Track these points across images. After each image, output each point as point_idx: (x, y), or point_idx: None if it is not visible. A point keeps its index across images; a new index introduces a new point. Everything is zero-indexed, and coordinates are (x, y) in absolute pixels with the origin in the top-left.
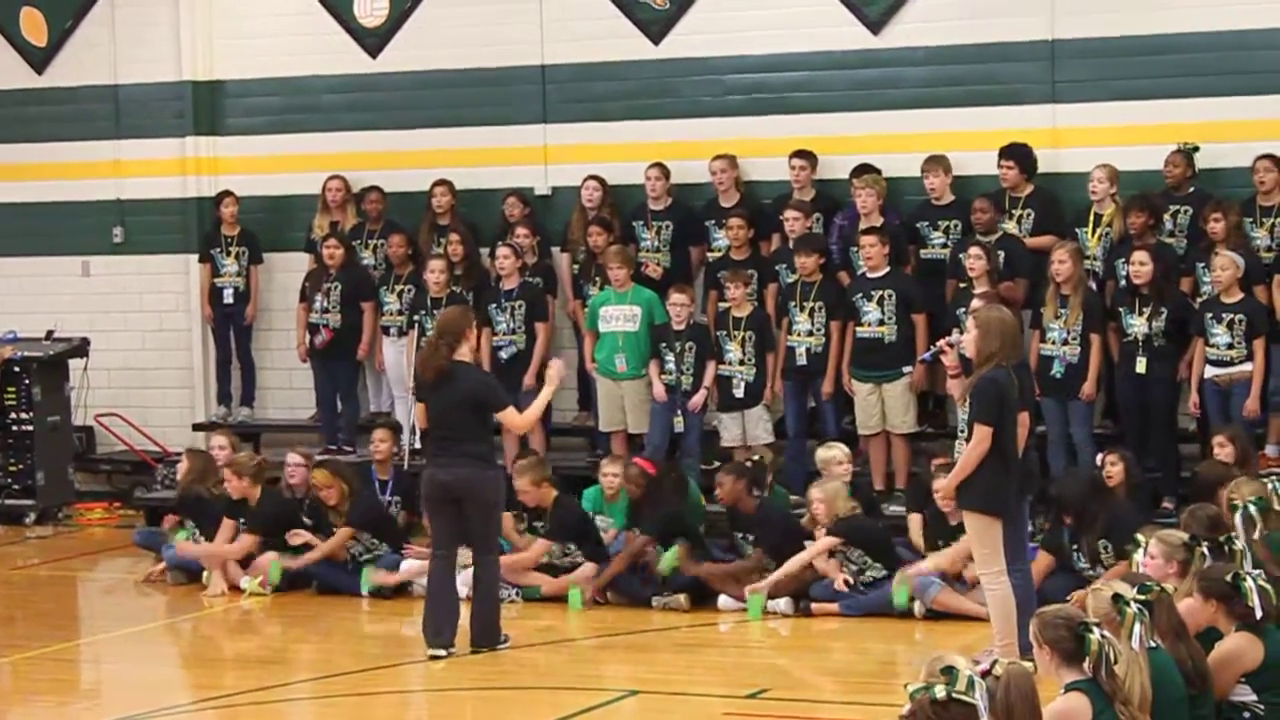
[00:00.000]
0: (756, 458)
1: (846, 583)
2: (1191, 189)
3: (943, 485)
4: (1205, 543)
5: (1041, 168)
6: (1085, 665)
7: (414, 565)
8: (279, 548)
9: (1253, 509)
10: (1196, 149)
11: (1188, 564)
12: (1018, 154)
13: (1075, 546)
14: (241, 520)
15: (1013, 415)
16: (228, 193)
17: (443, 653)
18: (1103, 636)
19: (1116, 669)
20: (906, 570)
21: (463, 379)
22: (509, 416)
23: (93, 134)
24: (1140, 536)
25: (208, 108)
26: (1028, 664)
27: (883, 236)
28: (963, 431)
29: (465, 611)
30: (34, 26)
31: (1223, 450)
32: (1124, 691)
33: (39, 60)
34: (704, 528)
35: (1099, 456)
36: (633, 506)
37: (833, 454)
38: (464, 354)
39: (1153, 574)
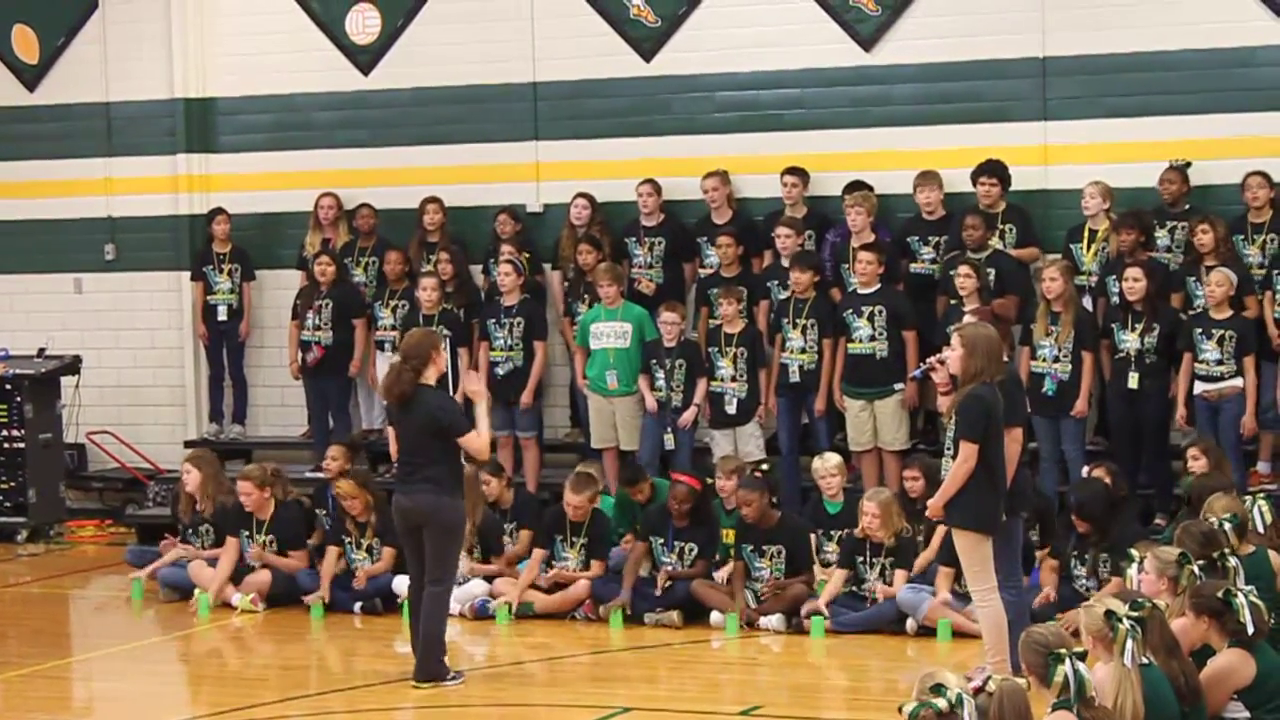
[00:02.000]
0: (766, 468)
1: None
2: (1188, 205)
3: (932, 503)
4: (1199, 560)
5: (1033, 184)
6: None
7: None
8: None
9: (1228, 526)
10: (1189, 165)
11: (1178, 581)
12: (998, 170)
13: (1075, 553)
14: (247, 534)
15: (999, 431)
16: (220, 210)
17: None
18: (1073, 668)
19: (1091, 694)
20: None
21: (425, 404)
22: (469, 442)
23: (85, 151)
24: (1134, 552)
25: (200, 125)
26: (1021, 680)
27: (879, 253)
28: (949, 449)
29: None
30: (26, 44)
31: (1196, 462)
32: (1106, 712)
33: (31, 78)
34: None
35: (1084, 470)
36: (658, 521)
37: (826, 464)
38: (429, 377)
39: (1146, 590)
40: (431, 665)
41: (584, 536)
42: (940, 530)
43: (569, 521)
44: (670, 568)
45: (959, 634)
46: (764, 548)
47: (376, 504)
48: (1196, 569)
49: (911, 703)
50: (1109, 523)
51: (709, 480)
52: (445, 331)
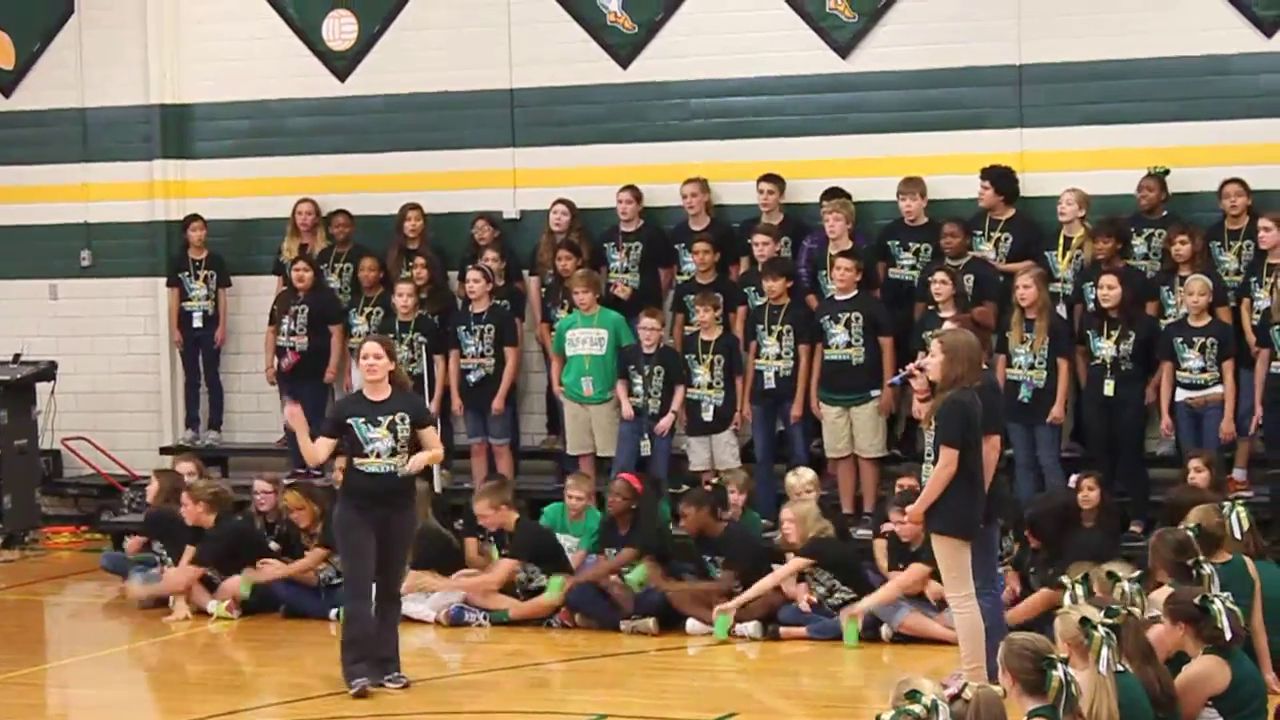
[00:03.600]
0: (715, 481)
1: (811, 603)
2: (1165, 213)
3: (912, 509)
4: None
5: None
6: (1048, 696)
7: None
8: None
9: (1190, 535)
10: (1167, 172)
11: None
12: (995, 176)
13: (1033, 570)
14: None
15: (978, 438)
16: (195, 216)
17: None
18: (1065, 674)
19: (1079, 704)
20: (852, 609)
21: None
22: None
23: (60, 157)
24: (1065, 579)
25: (176, 131)
26: (997, 688)
27: (858, 260)
28: (929, 455)
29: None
30: (1, 49)
31: (1199, 475)
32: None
33: (6, 83)
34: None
35: (1073, 479)
36: (612, 521)
37: (801, 480)
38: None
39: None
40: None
41: (512, 544)
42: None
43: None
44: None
45: (936, 641)
46: (716, 559)
47: (324, 514)
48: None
49: (889, 711)
50: (1061, 539)
51: (683, 484)
52: (421, 339)
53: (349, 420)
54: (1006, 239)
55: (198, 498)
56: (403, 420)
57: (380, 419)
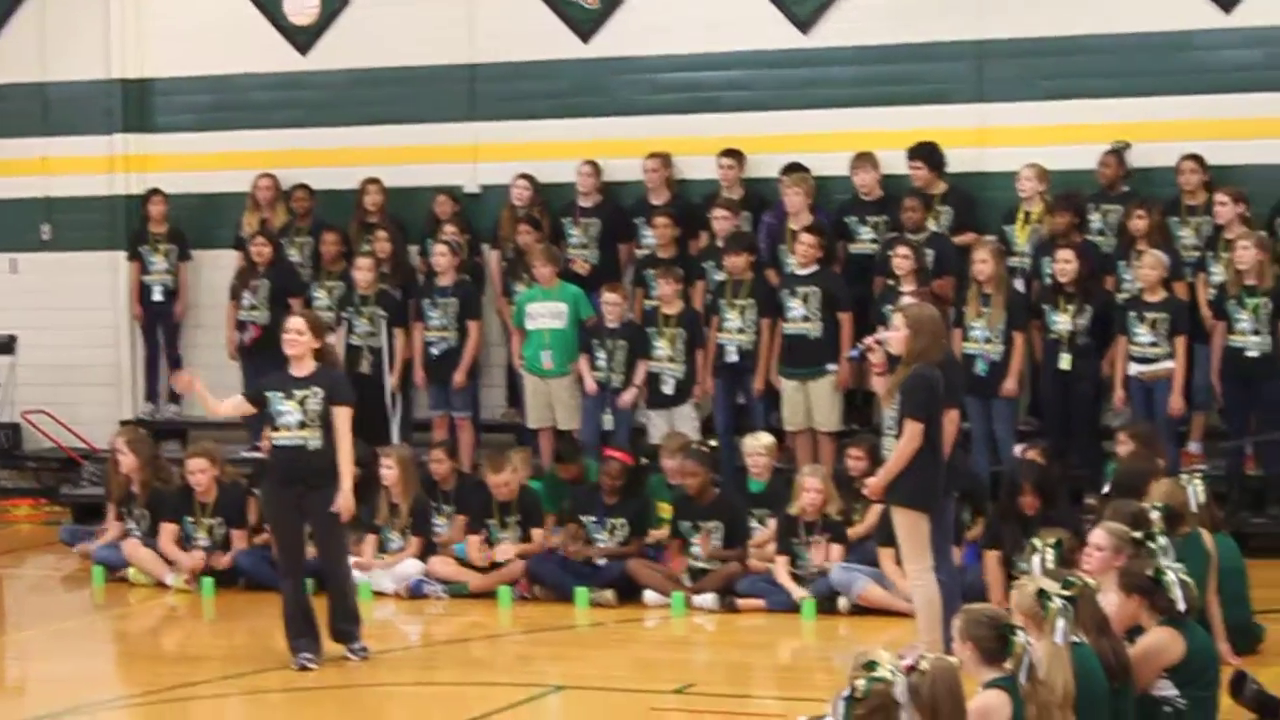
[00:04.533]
0: (713, 444)
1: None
2: (1125, 188)
3: (874, 482)
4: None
5: (969, 166)
6: (1006, 664)
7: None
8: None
9: (1155, 514)
10: (1128, 146)
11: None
12: (924, 153)
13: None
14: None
15: (940, 412)
16: (156, 190)
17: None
18: (1026, 640)
19: (1038, 672)
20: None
21: None
22: None
23: (21, 131)
24: (1036, 542)
25: (137, 105)
26: (953, 659)
27: (820, 234)
28: (890, 429)
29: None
30: None
31: (1123, 446)
32: (1045, 689)
33: None
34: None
35: (1017, 449)
36: (595, 490)
37: (758, 442)
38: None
39: (1096, 568)
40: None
41: (515, 514)
42: (875, 509)
43: (497, 502)
44: (603, 544)
45: (888, 612)
46: (700, 524)
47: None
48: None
49: (862, 680)
50: (1056, 501)
51: (642, 458)
52: (381, 312)
53: (266, 392)
54: (947, 212)
55: (215, 461)
56: (315, 395)
57: (295, 392)
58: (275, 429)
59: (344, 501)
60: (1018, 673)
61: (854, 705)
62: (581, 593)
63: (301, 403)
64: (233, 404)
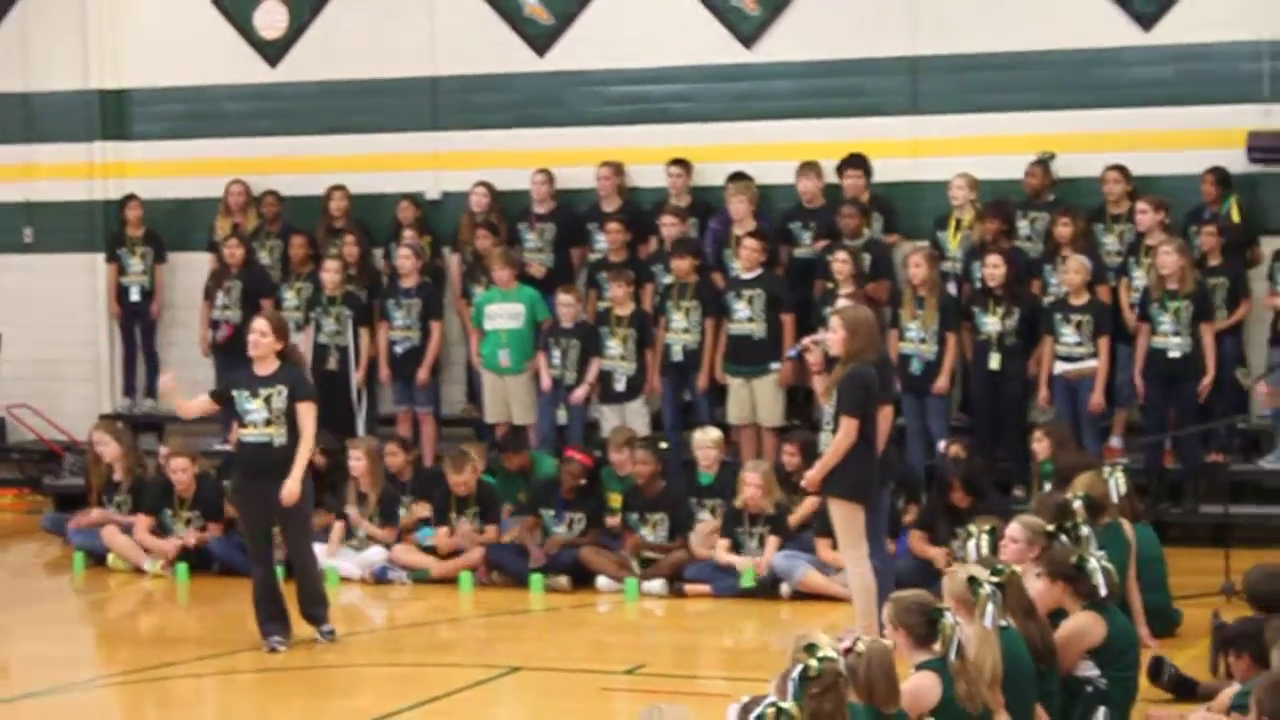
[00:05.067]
0: (664, 445)
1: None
2: (1051, 197)
3: (811, 475)
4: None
5: (903, 176)
6: (935, 646)
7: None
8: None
9: (1078, 504)
10: (1053, 157)
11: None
12: (859, 162)
13: (954, 529)
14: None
15: (875, 409)
16: (132, 196)
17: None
18: (955, 621)
19: (967, 651)
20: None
21: None
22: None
23: (4, 138)
24: (972, 527)
25: (115, 114)
26: (887, 642)
27: (764, 240)
28: (828, 424)
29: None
30: None
31: (1039, 444)
32: (974, 667)
33: None
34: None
35: (941, 444)
36: (553, 485)
37: (707, 436)
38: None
39: (1012, 557)
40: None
41: (474, 506)
42: (811, 500)
43: (456, 497)
44: (560, 536)
45: (828, 598)
46: (647, 515)
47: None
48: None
49: (814, 660)
50: (987, 494)
51: (598, 455)
52: (348, 312)
53: (233, 391)
54: (878, 217)
55: (182, 453)
56: (280, 393)
57: (260, 391)
58: (243, 425)
59: (289, 487)
60: (948, 652)
61: (807, 684)
62: (536, 579)
63: (267, 400)
64: (200, 404)
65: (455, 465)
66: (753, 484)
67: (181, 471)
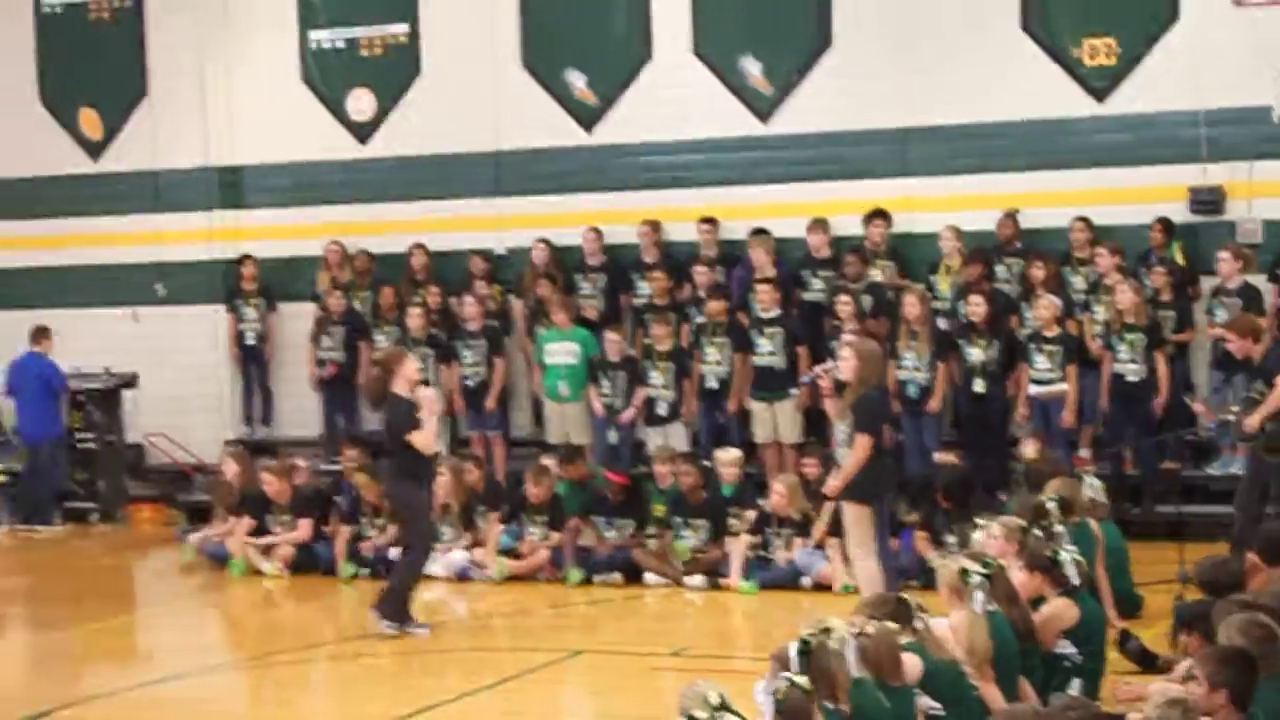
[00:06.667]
0: (707, 464)
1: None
2: (1019, 244)
3: (832, 484)
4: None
5: (899, 229)
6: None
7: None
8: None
9: (1052, 505)
10: (1018, 211)
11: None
12: (885, 216)
13: (944, 526)
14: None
15: (884, 426)
16: (247, 256)
17: (388, 625)
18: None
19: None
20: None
21: (388, 408)
22: (413, 439)
23: (138, 209)
24: (980, 521)
25: (231, 187)
26: (893, 625)
27: (775, 285)
28: (843, 441)
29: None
30: (90, 123)
31: (1029, 448)
32: (967, 650)
33: (95, 150)
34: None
35: (935, 455)
36: (595, 502)
37: (727, 455)
38: (399, 387)
39: (995, 551)
40: (388, 606)
41: (545, 514)
42: (828, 507)
43: (530, 504)
44: (612, 540)
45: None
46: (691, 521)
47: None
48: (1038, 533)
49: (809, 636)
50: (968, 500)
51: (634, 472)
52: (428, 350)
53: None
54: (890, 265)
55: (280, 474)
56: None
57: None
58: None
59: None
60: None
61: (806, 657)
62: (574, 573)
63: None
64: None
65: (535, 478)
66: (779, 493)
67: (269, 484)
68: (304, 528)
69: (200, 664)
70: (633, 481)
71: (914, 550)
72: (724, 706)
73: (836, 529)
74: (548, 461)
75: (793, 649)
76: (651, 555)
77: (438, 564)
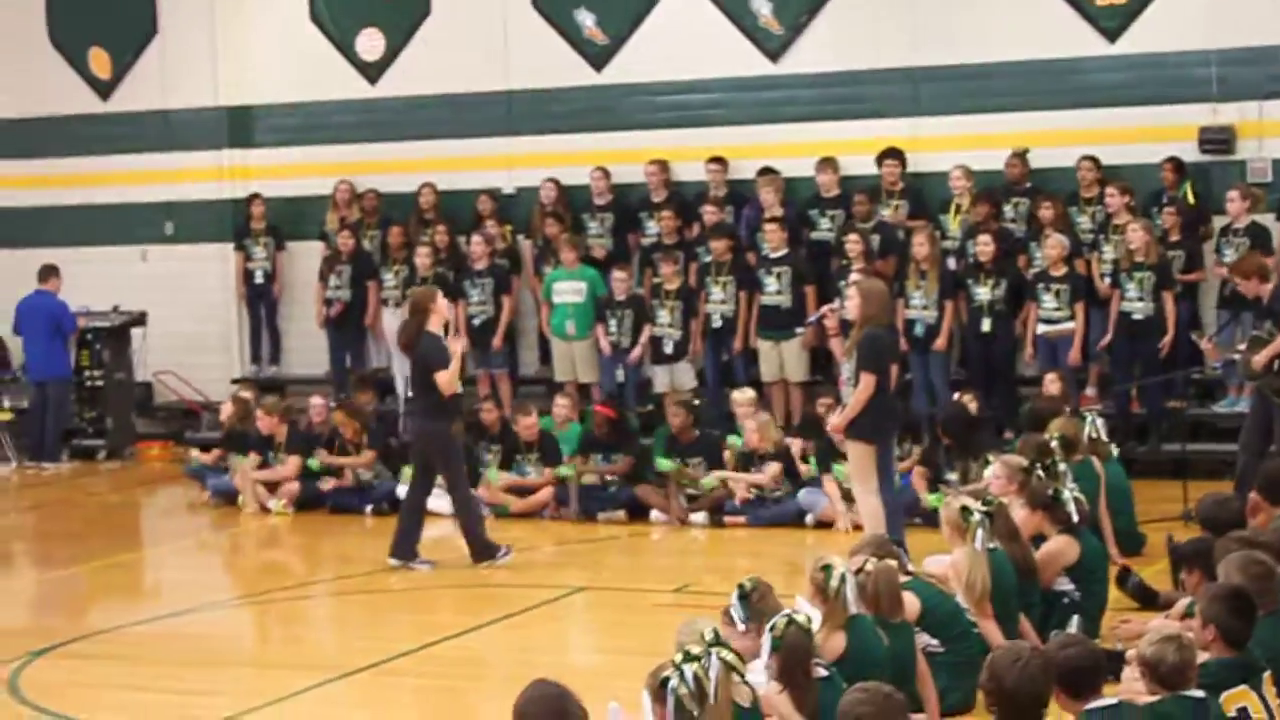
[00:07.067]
0: (696, 403)
1: (746, 499)
2: (1028, 184)
3: (835, 421)
4: (1037, 465)
5: (909, 168)
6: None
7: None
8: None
9: (1055, 443)
10: (1028, 151)
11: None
12: (899, 155)
13: (946, 462)
14: (270, 452)
15: (889, 365)
16: (256, 195)
17: (395, 562)
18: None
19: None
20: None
21: (420, 348)
22: (438, 377)
23: (148, 148)
24: (990, 457)
25: (240, 127)
26: (892, 562)
27: (782, 224)
28: (848, 380)
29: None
30: (100, 62)
31: (1053, 385)
32: (968, 585)
33: (105, 90)
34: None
35: (956, 396)
36: (594, 439)
37: (745, 395)
38: (434, 325)
39: (996, 490)
40: (478, 548)
41: (537, 451)
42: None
43: (523, 441)
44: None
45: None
46: (687, 459)
47: (365, 427)
48: (1041, 474)
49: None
50: (968, 437)
51: (649, 405)
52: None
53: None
54: (904, 204)
55: (270, 411)
56: None
57: None
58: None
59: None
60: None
61: (746, 601)
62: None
63: None
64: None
65: (522, 410)
66: (750, 430)
67: (261, 421)
68: (291, 464)
69: (207, 599)
70: (619, 416)
71: (912, 488)
72: (718, 642)
73: (824, 464)
74: (562, 399)
75: (734, 595)
76: (655, 491)
77: (443, 501)
